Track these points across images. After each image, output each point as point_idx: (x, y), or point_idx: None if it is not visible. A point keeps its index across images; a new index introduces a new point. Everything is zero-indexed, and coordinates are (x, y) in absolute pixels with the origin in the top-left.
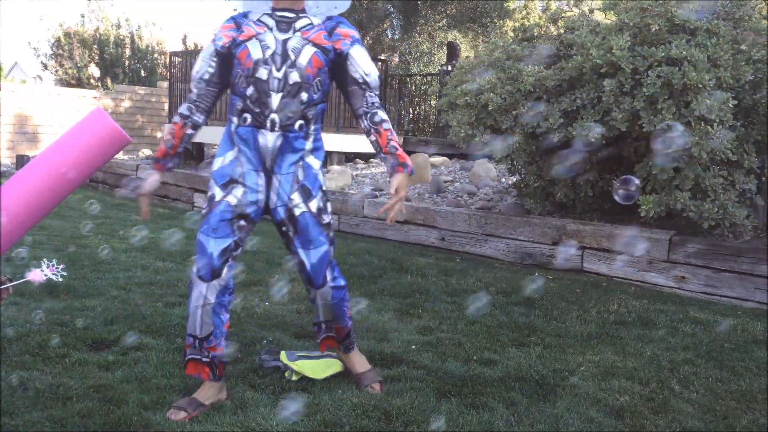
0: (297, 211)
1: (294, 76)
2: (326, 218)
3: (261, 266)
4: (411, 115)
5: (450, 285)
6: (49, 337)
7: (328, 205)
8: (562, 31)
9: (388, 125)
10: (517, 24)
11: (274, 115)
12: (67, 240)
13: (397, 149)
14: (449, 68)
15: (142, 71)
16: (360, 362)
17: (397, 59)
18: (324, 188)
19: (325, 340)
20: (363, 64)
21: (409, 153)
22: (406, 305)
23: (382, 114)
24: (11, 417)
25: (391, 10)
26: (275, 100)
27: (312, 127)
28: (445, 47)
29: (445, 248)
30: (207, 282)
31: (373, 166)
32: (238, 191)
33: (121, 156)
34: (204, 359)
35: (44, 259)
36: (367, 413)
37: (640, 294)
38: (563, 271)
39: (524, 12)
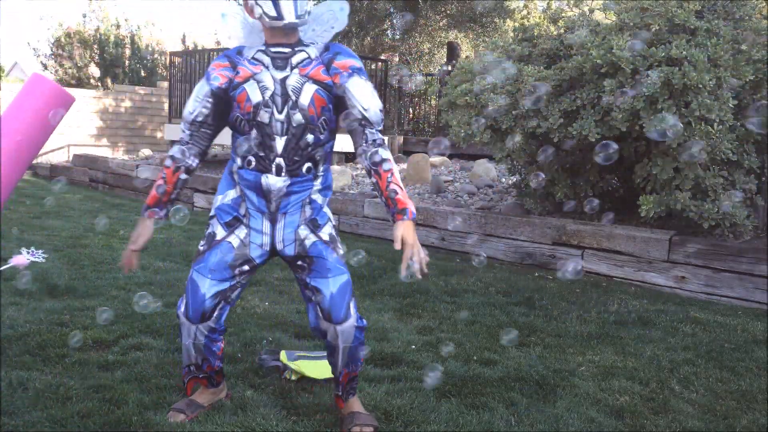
0: (308, 242)
1: (297, 118)
2: (341, 249)
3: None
4: (411, 115)
5: (450, 285)
6: (49, 337)
7: (339, 242)
8: (562, 31)
9: (389, 165)
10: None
11: (279, 160)
12: (66, 240)
13: (397, 193)
14: (449, 68)
15: (142, 71)
16: (358, 404)
17: (397, 59)
18: (333, 224)
19: (339, 398)
20: (361, 98)
21: (409, 153)
22: (406, 305)
23: (383, 153)
24: (11, 417)
25: (392, 10)
26: (279, 143)
27: (321, 168)
28: (445, 47)
29: (445, 248)
30: (195, 324)
31: None
32: (242, 232)
33: (121, 156)
34: (201, 375)
35: (23, 248)
36: None
37: (640, 294)
38: None
39: (524, 12)
